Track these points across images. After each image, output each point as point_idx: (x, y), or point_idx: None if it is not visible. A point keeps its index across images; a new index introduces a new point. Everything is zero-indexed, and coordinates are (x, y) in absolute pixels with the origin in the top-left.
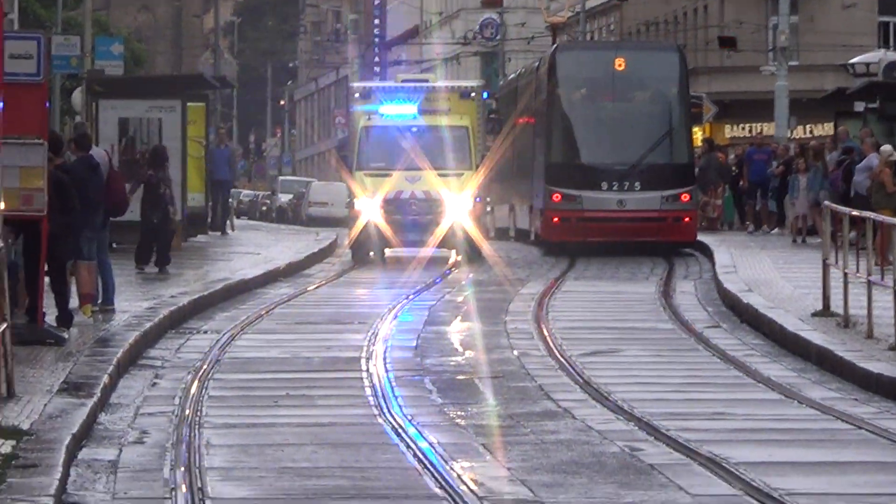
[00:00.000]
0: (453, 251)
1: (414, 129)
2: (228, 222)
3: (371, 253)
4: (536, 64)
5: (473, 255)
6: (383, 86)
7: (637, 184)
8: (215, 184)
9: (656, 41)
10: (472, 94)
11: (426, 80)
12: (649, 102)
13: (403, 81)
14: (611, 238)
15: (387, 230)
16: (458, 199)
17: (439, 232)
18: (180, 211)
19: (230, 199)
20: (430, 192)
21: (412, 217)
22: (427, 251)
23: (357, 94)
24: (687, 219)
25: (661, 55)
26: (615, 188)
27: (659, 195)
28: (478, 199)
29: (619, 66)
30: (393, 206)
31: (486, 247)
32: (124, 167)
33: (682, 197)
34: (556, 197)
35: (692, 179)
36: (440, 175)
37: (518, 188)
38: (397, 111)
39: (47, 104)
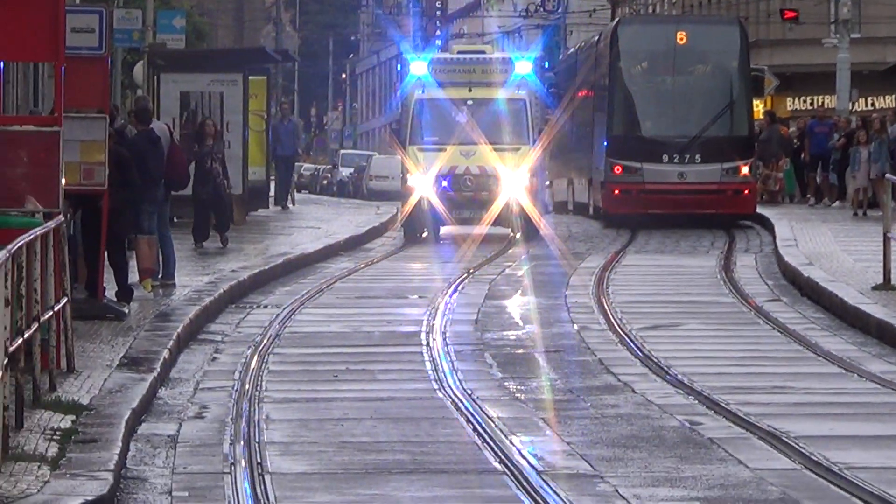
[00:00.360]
0: (509, 229)
1: (470, 103)
2: (289, 197)
3: (424, 232)
4: (596, 38)
5: (530, 232)
6: (440, 57)
7: (697, 156)
8: (278, 159)
9: (717, 15)
10: (531, 66)
11: (482, 52)
12: (710, 75)
13: (459, 53)
14: (671, 210)
15: (441, 207)
16: (515, 175)
17: (495, 209)
18: (241, 185)
19: (293, 174)
20: (486, 168)
21: (467, 193)
22: (482, 229)
23: (412, 66)
24: (746, 191)
25: (722, 28)
26: (676, 160)
27: (719, 167)
28: (536, 175)
29: (681, 39)
30: (447, 182)
31: (543, 224)
32: (185, 141)
33: (742, 169)
34: (618, 169)
35: (752, 152)
36: (496, 150)
37: (577, 162)
38: (453, 83)
39: (109, 78)
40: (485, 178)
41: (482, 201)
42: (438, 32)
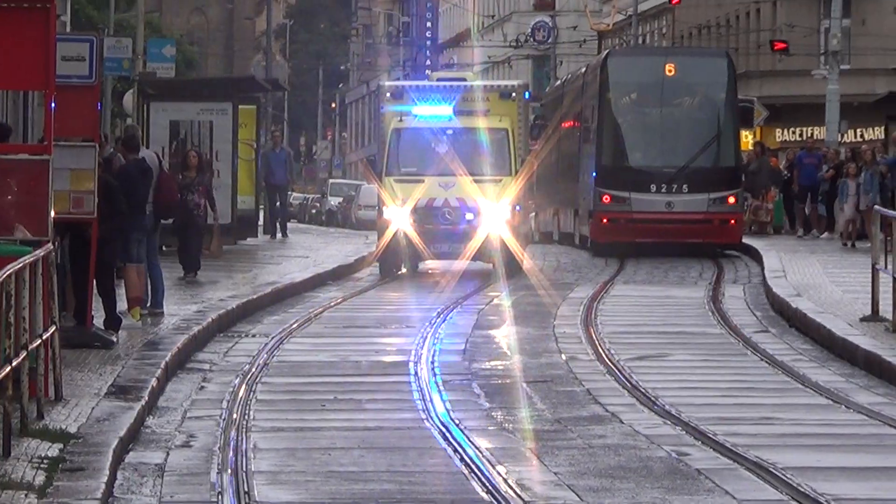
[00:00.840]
0: (490, 264)
1: (449, 132)
2: (283, 226)
3: (402, 267)
4: (584, 70)
5: (513, 268)
6: (417, 85)
7: (685, 186)
8: (271, 187)
9: (705, 48)
10: (513, 95)
11: (463, 79)
12: (698, 107)
13: (439, 80)
14: (659, 239)
15: (418, 241)
16: (496, 208)
17: (475, 243)
18: (230, 214)
19: (286, 204)
20: (466, 200)
21: (446, 226)
22: (461, 264)
23: (388, 94)
24: (733, 221)
25: (710, 61)
26: (664, 190)
27: (706, 197)
28: (519, 207)
29: (670, 71)
30: (425, 214)
31: (526, 259)
32: (174, 170)
33: (729, 199)
34: (606, 198)
35: (738, 182)
36: (476, 181)
37: (563, 192)
38: (431, 112)
39: (99, 106)
40: (465, 211)
41: (462, 234)
42: (428, 62)
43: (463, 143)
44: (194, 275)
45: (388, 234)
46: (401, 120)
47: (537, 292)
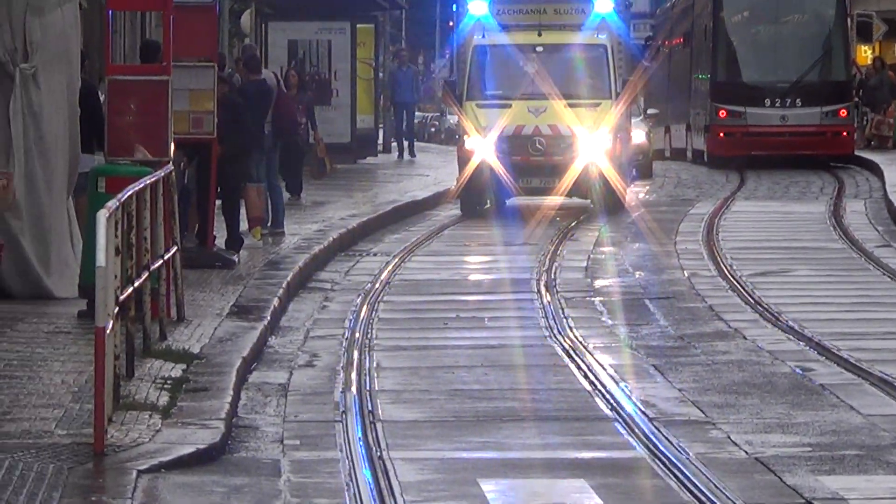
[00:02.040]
0: (588, 200)
1: (539, 49)
2: (410, 145)
3: (487, 204)
4: None
5: (613, 204)
6: None
7: (798, 100)
8: (398, 105)
9: None
10: (612, 4)
11: None
12: (809, 22)
13: None
14: (773, 152)
15: (504, 174)
16: (594, 136)
17: (570, 176)
18: (349, 133)
19: (413, 122)
20: (559, 127)
21: (536, 158)
22: (554, 200)
23: (468, 5)
24: (845, 133)
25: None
26: (778, 104)
27: (819, 110)
28: (620, 135)
29: None
30: (513, 144)
31: (628, 194)
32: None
33: (841, 112)
34: (722, 113)
35: (850, 95)
36: (571, 106)
37: (675, 108)
38: (519, 26)
39: (217, 27)
40: (558, 140)
41: (555, 167)
42: None
43: (555, 62)
44: (297, 197)
45: (471, 167)
46: (483, 36)
47: (658, 209)
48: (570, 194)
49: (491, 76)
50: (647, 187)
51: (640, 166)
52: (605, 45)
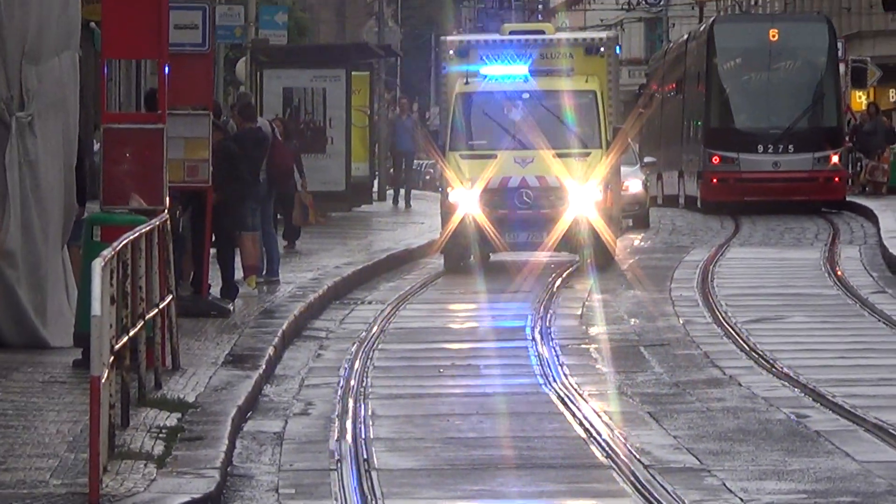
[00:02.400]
0: (575, 255)
1: (525, 96)
2: (406, 195)
3: (472, 258)
4: (686, 37)
5: (603, 260)
6: (486, 39)
7: (790, 146)
8: (397, 154)
9: (807, 13)
10: (602, 50)
11: (542, 32)
12: (800, 70)
13: (512, 33)
14: (766, 197)
15: (490, 229)
16: (584, 188)
17: (559, 231)
18: (344, 181)
19: (412, 171)
20: (547, 179)
21: (523, 211)
22: (541, 256)
23: (451, 51)
24: (837, 178)
25: (812, 26)
26: (770, 150)
27: (811, 156)
28: (611, 186)
29: (773, 36)
30: (498, 196)
31: (619, 248)
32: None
33: (832, 158)
34: (715, 159)
35: (841, 142)
36: (560, 156)
37: (668, 155)
38: (504, 72)
39: (213, 75)
40: (546, 192)
41: (543, 221)
42: None
43: (542, 110)
44: (293, 245)
45: (455, 221)
46: (467, 83)
47: (653, 256)
48: (557, 248)
49: (475, 125)
50: (642, 234)
51: (636, 217)
52: (595, 91)
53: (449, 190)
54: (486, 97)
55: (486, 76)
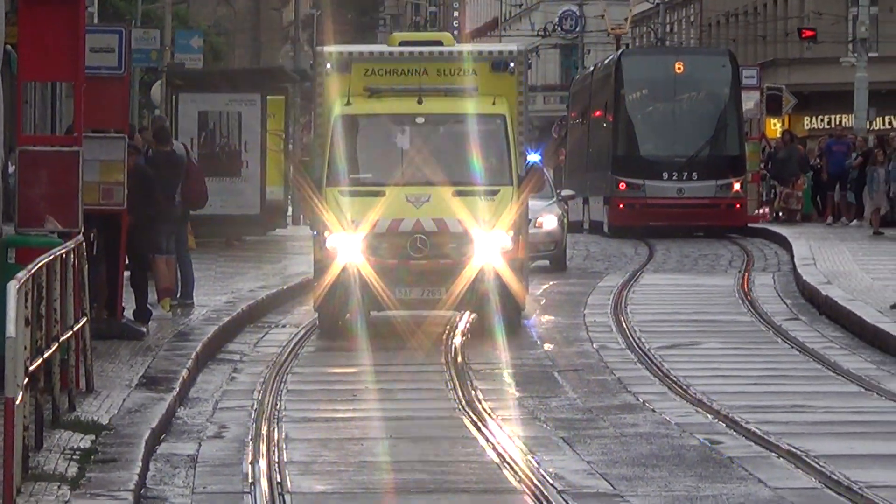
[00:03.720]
0: (477, 314)
1: (419, 121)
2: None
3: (348, 316)
4: (592, 69)
5: (509, 317)
6: (371, 51)
7: (694, 174)
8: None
9: (712, 47)
10: (511, 65)
11: (438, 43)
12: (704, 101)
13: (402, 44)
14: (670, 222)
15: (376, 282)
16: (492, 235)
17: (460, 285)
18: (258, 204)
19: None
20: (447, 222)
21: (418, 261)
22: (438, 314)
23: (329, 65)
24: (738, 205)
25: (715, 59)
26: (675, 178)
27: (714, 183)
28: (522, 231)
29: (678, 69)
30: (387, 243)
31: (527, 305)
32: (203, 161)
33: (734, 185)
34: (622, 185)
35: (742, 169)
36: (462, 194)
37: (594, 180)
38: (393, 91)
39: (128, 98)
40: (446, 238)
41: (441, 273)
42: None
43: (440, 138)
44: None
45: (333, 273)
46: (348, 103)
47: (567, 281)
48: (458, 307)
49: (359, 155)
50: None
51: (553, 257)
52: (505, 116)
53: (326, 234)
54: (372, 121)
55: (371, 95)
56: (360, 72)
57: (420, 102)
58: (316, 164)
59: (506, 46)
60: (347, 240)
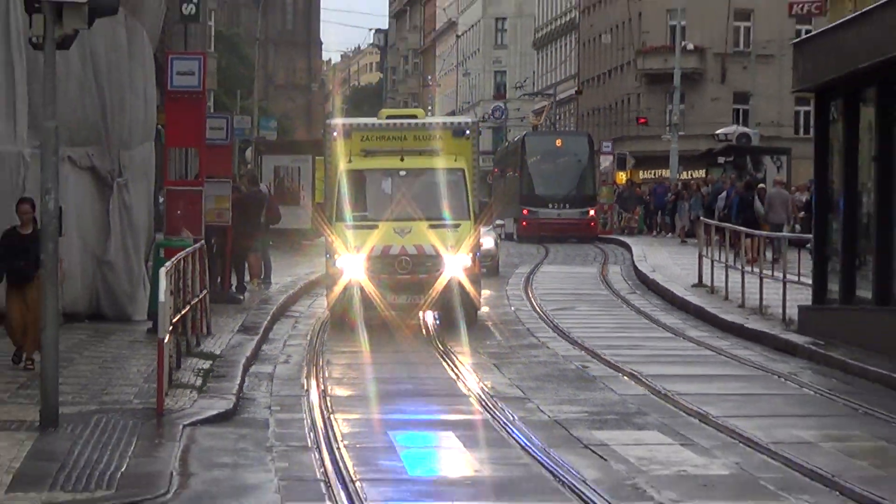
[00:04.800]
0: (445, 312)
1: (402, 173)
2: None
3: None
4: (508, 143)
5: (469, 316)
6: (365, 122)
7: (567, 204)
8: None
9: (579, 131)
10: (467, 133)
11: (414, 116)
12: (573, 162)
13: (388, 118)
14: (553, 233)
15: (373, 292)
16: (456, 257)
17: (434, 293)
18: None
19: None
20: (424, 248)
21: (403, 276)
22: (418, 315)
23: (335, 133)
24: (593, 223)
25: (580, 138)
26: (556, 207)
27: (578, 210)
28: (476, 253)
29: (559, 143)
30: (380, 263)
31: (482, 308)
32: (277, 196)
33: (590, 211)
34: (525, 211)
35: (595, 202)
36: (433, 227)
37: (509, 210)
38: (382, 152)
39: (231, 157)
40: (423, 259)
41: (420, 285)
42: None
43: (417, 185)
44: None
45: (342, 284)
46: (350, 160)
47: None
48: (432, 308)
49: (359, 199)
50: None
51: (490, 268)
52: (463, 169)
53: (336, 256)
54: (368, 174)
55: (366, 155)
56: (358, 138)
57: (402, 160)
58: (327, 205)
59: (463, 118)
60: (352, 260)
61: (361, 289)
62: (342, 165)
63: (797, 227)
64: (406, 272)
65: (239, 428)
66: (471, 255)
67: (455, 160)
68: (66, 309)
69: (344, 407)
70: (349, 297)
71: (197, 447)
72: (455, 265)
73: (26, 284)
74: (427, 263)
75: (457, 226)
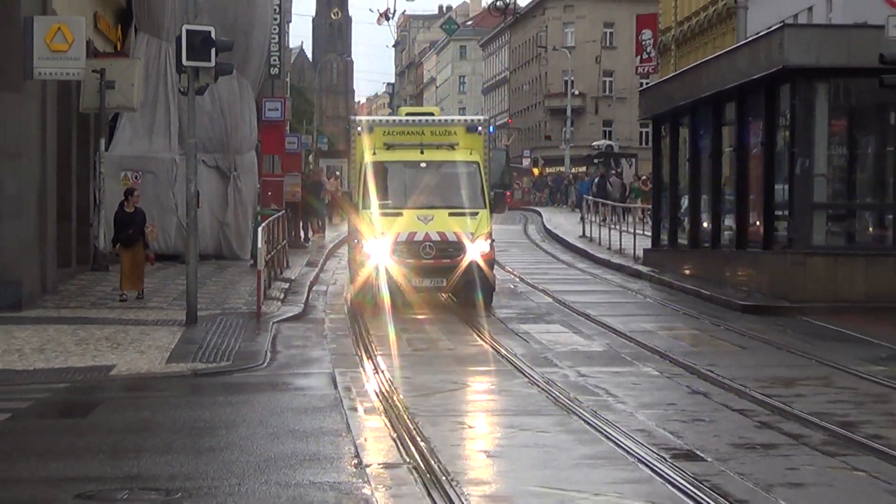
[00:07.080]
0: (465, 293)
1: (422, 165)
2: None
3: (376, 300)
4: None
5: (488, 298)
6: (387, 118)
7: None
8: None
9: (500, 147)
10: (479, 129)
11: (431, 114)
12: (498, 166)
13: (408, 114)
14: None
15: (399, 275)
16: (476, 242)
17: (456, 277)
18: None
19: None
20: (447, 234)
21: (427, 261)
22: (440, 297)
23: (360, 129)
24: (509, 200)
25: (501, 152)
26: None
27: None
28: (491, 239)
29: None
30: (406, 248)
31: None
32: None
33: (507, 193)
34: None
35: (509, 187)
36: (454, 215)
37: None
38: (403, 145)
39: (300, 160)
40: (446, 245)
41: (443, 269)
42: None
43: (437, 176)
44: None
45: (368, 268)
46: (374, 154)
47: None
48: (454, 292)
49: (383, 188)
50: None
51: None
52: (478, 163)
53: (364, 241)
54: (391, 166)
55: (389, 148)
56: (381, 133)
57: (422, 153)
58: (353, 195)
59: (474, 116)
60: (379, 245)
61: (387, 270)
62: (367, 157)
63: (628, 199)
64: (430, 257)
65: (306, 324)
66: (488, 241)
67: (471, 153)
68: (201, 252)
69: (369, 310)
70: (376, 278)
71: (281, 335)
72: (474, 250)
73: (132, 246)
74: (450, 249)
75: (475, 214)
